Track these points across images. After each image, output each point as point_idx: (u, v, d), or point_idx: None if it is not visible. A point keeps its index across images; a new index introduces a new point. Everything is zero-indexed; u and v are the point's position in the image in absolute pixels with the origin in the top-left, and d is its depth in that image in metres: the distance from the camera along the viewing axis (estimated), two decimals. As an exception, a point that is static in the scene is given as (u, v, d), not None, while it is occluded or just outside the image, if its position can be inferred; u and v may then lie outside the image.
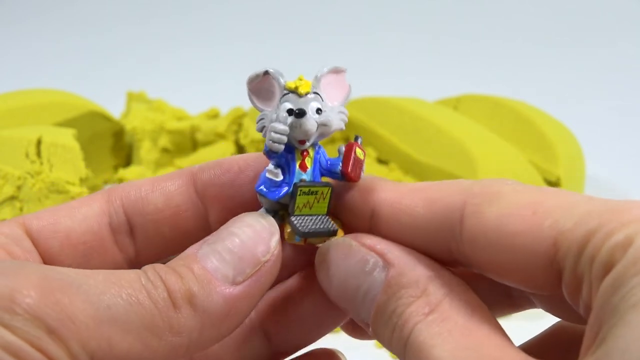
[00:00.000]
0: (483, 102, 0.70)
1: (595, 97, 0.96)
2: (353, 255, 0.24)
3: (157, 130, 0.71)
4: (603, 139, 0.81)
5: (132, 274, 0.23)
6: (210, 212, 0.28)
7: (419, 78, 0.97)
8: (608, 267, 0.19)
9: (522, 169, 0.61)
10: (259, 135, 0.67)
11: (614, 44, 1.10)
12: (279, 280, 0.28)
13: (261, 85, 0.26)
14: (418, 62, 1.08)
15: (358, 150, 0.26)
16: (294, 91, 0.25)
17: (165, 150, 0.71)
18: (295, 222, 0.25)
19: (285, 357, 0.28)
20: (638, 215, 0.19)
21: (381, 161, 0.67)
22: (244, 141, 0.69)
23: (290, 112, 0.25)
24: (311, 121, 0.25)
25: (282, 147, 0.25)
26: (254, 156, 0.28)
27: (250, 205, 0.27)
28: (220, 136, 0.70)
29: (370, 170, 0.65)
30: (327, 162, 0.26)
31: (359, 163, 0.26)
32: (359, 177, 0.26)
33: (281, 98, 0.26)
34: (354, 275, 0.24)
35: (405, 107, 0.68)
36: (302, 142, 0.26)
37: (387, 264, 0.23)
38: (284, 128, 0.25)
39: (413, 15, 1.21)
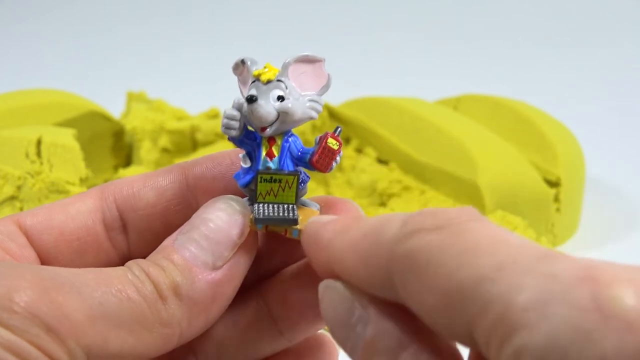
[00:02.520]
0: (483, 102, 0.70)
1: (595, 97, 0.96)
2: (342, 302, 0.23)
3: (157, 130, 0.71)
4: (603, 139, 0.81)
5: (119, 270, 0.24)
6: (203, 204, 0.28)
7: (419, 78, 0.97)
8: None
9: (522, 169, 0.61)
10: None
11: (614, 44, 1.10)
12: (287, 263, 0.28)
13: (244, 74, 0.27)
14: (418, 62, 1.08)
15: (331, 140, 0.26)
16: (258, 79, 0.26)
17: (165, 150, 0.71)
18: (256, 208, 0.26)
19: (291, 343, 0.28)
20: (528, 313, 0.17)
21: (381, 161, 0.67)
22: (244, 141, 0.69)
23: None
24: (266, 108, 0.25)
25: (234, 132, 0.26)
26: None
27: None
28: (220, 136, 0.70)
29: (371, 170, 0.65)
30: (298, 151, 0.26)
31: (330, 153, 0.26)
32: (327, 167, 0.26)
33: (249, 85, 0.26)
34: (342, 325, 0.23)
35: (405, 107, 0.68)
36: (263, 129, 0.26)
37: (368, 320, 0.22)
38: (233, 113, 0.25)
39: (413, 15, 1.21)
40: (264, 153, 0.26)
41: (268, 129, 0.26)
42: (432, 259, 0.20)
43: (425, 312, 0.20)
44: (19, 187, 0.55)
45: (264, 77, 0.26)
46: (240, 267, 0.25)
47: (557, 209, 0.62)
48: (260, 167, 0.26)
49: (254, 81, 0.26)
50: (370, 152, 0.68)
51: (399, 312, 0.22)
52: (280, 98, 0.25)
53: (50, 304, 0.21)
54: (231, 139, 0.26)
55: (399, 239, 0.21)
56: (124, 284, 0.23)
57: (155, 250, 0.25)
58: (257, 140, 0.26)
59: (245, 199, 0.26)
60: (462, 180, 0.60)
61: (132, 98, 0.78)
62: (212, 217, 0.25)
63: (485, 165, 0.60)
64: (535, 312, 0.17)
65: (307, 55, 0.26)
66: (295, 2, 1.23)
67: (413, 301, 0.20)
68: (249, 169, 0.26)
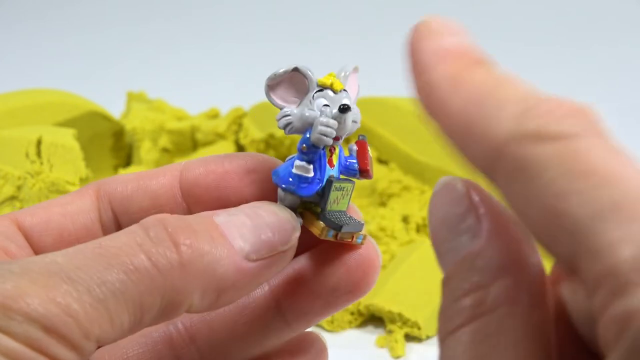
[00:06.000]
0: (483, 102, 0.70)
1: (595, 97, 0.96)
2: (456, 205, 0.21)
3: (157, 130, 0.71)
4: (603, 139, 0.81)
5: (129, 235, 0.22)
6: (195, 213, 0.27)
7: (419, 78, 0.97)
8: (609, 345, 0.17)
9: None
10: (259, 135, 0.67)
11: (614, 44, 1.10)
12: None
13: (283, 82, 0.26)
14: (418, 62, 1.08)
15: (370, 149, 0.27)
16: (329, 87, 0.25)
17: (165, 150, 0.71)
18: (331, 217, 0.25)
19: (295, 334, 0.28)
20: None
21: (381, 161, 0.67)
22: (244, 141, 0.69)
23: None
24: (351, 117, 0.25)
25: (330, 140, 0.25)
26: (242, 156, 0.27)
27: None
28: (220, 136, 0.70)
29: (370, 170, 0.65)
30: (345, 160, 0.27)
31: (371, 161, 0.27)
32: (372, 174, 0.27)
33: (314, 94, 0.25)
34: (448, 227, 0.21)
35: (405, 107, 0.68)
36: (337, 138, 0.25)
37: (477, 234, 0.21)
38: (335, 122, 0.25)
39: (413, 15, 1.20)
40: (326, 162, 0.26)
41: (341, 138, 0.26)
42: (544, 174, 0.18)
43: (526, 217, 0.19)
44: (19, 187, 0.55)
45: (337, 87, 0.25)
46: (269, 271, 0.24)
47: (557, 209, 0.62)
48: (327, 177, 0.26)
49: (319, 90, 0.25)
50: (370, 152, 0.68)
51: (509, 237, 0.20)
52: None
53: (47, 303, 0.20)
54: (308, 146, 0.25)
55: (513, 137, 0.19)
56: (129, 253, 0.22)
57: (195, 215, 0.24)
58: (322, 149, 0.25)
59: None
60: (462, 180, 0.60)
61: (132, 98, 0.78)
62: (264, 214, 0.25)
63: (485, 165, 0.60)
64: None
65: (357, 67, 0.26)
66: (295, 2, 1.22)
67: (515, 202, 0.19)
68: (313, 178, 0.25)
